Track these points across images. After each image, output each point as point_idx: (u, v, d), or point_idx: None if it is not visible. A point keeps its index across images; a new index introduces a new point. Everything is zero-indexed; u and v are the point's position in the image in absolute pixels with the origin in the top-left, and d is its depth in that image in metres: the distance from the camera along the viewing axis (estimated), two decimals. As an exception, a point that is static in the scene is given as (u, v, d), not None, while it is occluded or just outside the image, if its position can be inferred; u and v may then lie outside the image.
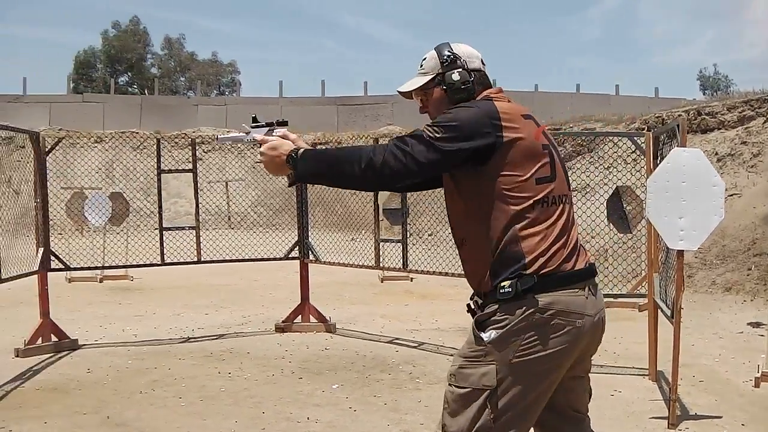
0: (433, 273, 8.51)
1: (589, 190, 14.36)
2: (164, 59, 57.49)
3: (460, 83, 3.03)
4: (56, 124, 28.36)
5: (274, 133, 3.22)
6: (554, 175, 2.91)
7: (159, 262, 9.02)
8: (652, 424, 5.74)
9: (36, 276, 8.19)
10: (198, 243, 9.07)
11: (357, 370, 7.30)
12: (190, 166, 9.32)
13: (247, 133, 3.33)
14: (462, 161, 2.84)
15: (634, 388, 6.68)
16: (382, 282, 13.86)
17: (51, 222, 9.12)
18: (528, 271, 2.80)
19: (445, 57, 3.07)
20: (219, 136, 3.62)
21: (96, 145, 26.88)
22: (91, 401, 6.34)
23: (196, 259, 9.06)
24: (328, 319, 9.23)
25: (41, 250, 8.19)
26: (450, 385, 2.90)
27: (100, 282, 14.12)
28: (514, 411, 2.80)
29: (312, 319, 9.28)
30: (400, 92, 3.21)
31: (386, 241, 8.81)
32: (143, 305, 11.64)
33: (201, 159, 27.17)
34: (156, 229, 9.07)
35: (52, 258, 8.37)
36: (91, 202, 14.05)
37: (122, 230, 14.62)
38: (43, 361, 7.83)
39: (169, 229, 9.22)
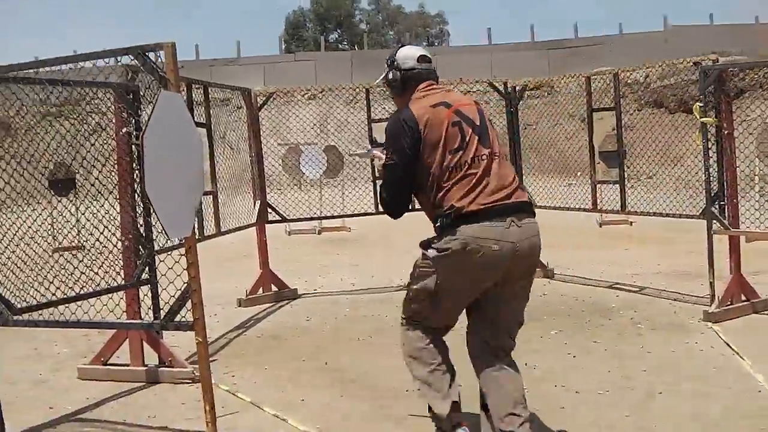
0: (652, 214, 8.10)
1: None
2: (372, 14, 58.22)
3: (392, 81, 4.14)
4: (270, 83, 29.23)
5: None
6: (464, 143, 3.84)
7: (373, 212, 9.06)
8: None
9: (255, 229, 8.42)
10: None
11: (576, 316, 7.08)
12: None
13: (368, 150, 4.61)
14: (408, 159, 3.86)
15: None
16: (600, 227, 13.43)
17: (268, 177, 9.35)
18: (451, 212, 3.79)
19: (388, 60, 4.18)
20: (350, 153, 5.05)
21: (310, 102, 27.64)
22: (309, 348, 6.46)
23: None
24: (546, 264, 8.99)
25: (258, 203, 8.39)
26: (409, 284, 4.09)
27: (319, 234, 14.47)
28: (437, 303, 3.95)
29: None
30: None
31: (603, 182, 8.44)
32: (361, 255, 11.81)
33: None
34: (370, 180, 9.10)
35: (270, 210, 8.56)
36: (306, 156, 14.38)
37: (338, 182, 14.87)
38: (263, 310, 8.07)
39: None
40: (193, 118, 6.95)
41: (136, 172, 5.76)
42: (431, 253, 3.84)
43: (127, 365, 5.89)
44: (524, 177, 9.30)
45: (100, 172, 5.59)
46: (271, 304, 8.36)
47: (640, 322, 6.77)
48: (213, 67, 31.18)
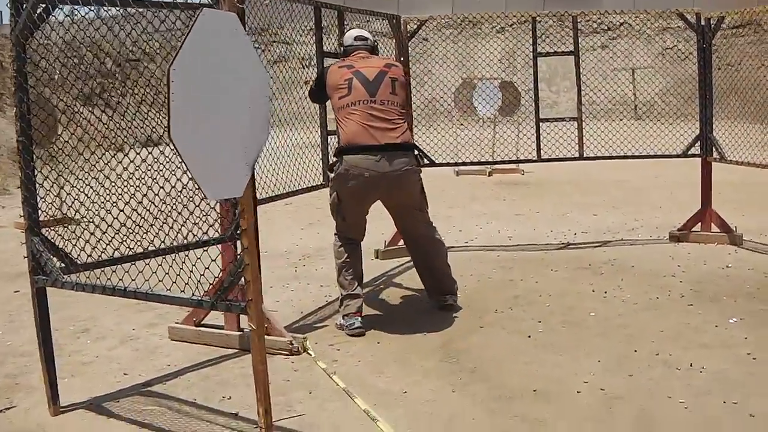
0: None
1: None
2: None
3: (341, 53, 5.78)
4: (459, 10, 28.10)
5: None
6: (349, 92, 5.32)
7: (534, 158, 8.02)
8: None
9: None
10: (580, 137, 7.88)
11: (763, 299, 5.81)
12: (594, 54, 8.06)
13: None
14: (314, 86, 5.74)
15: None
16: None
17: (437, 112, 8.43)
18: (342, 144, 5.33)
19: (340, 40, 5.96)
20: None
21: (498, 35, 26.40)
22: (436, 319, 5.56)
23: (577, 155, 7.90)
24: (734, 228, 7.68)
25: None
26: (330, 204, 5.62)
27: (489, 176, 13.47)
28: (340, 213, 5.51)
29: (714, 228, 7.79)
30: None
31: None
32: (527, 203, 10.77)
33: (606, 46, 25.72)
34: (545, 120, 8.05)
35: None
36: (480, 91, 13.38)
37: (514, 121, 13.80)
38: (401, 264, 7.25)
39: (546, 120, 8.13)
40: (322, 48, 6.22)
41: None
42: (334, 170, 5.38)
43: (222, 328, 5.21)
44: (718, 122, 7.97)
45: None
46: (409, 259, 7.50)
47: None
48: (401, 1, 30.39)
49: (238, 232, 3.36)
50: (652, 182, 11.95)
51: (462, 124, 14.26)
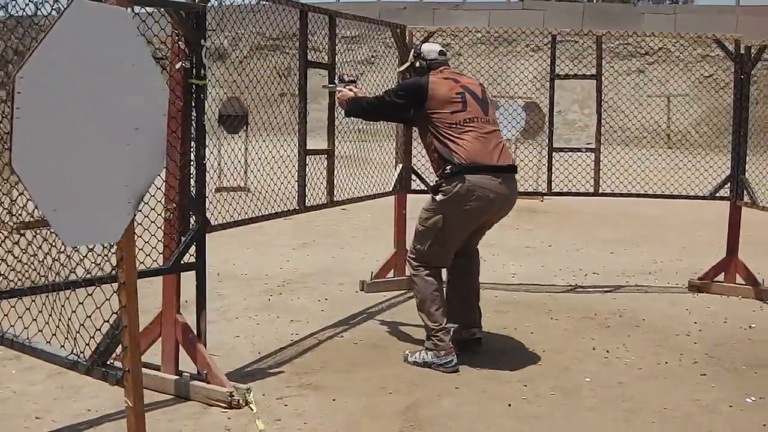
0: None
1: None
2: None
3: (419, 68, 5.28)
4: (495, 26, 27.43)
5: (347, 87, 5.42)
6: (465, 107, 4.95)
7: (545, 191, 7.31)
8: None
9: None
10: (597, 170, 7.15)
11: (791, 372, 5.06)
12: (630, 78, 7.35)
13: (335, 85, 5.54)
14: (397, 107, 5.19)
15: None
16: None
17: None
18: (461, 163, 4.84)
19: (414, 53, 5.35)
20: (323, 85, 5.69)
21: (533, 53, 25.68)
22: (408, 374, 4.85)
23: (592, 190, 7.17)
24: (761, 281, 6.91)
25: (400, 167, 6.82)
26: (419, 224, 5.09)
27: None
28: (441, 238, 4.99)
29: (739, 279, 7.02)
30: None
31: None
32: (541, 233, 10.05)
33: (643, 71, 24.91)
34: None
35: (414, 177, 6.96)
36: (503, 111, 12.66)
37: (537, 144, 13.06)
38: (386, 300, 6.57)
39: (560, 150, 7.42)
40: (306, 56, 5.55)
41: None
42: (447, 189, 4.86)
43: (159, 369, 4.54)
44: (755, 158, 7.23)
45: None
46: (402, 292, 6.80)
47: None
48: (436, 10, 29.86)
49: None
50: (679, 218, 11.15)
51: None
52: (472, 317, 5.29)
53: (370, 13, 21.27)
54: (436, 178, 5.00)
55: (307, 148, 5.54)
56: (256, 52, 25.84)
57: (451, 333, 4.97)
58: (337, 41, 5.93)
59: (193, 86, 4.33)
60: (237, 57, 25.70)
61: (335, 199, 5.99)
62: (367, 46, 26.35)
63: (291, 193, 5.54)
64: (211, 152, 4.75)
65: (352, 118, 5.51)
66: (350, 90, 5.40)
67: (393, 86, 5.31)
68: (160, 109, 2.49)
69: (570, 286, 7.27)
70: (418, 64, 5.26)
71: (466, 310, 5.27)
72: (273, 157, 5.83)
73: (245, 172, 12.23)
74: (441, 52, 5.26)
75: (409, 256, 5.22)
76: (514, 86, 12.86)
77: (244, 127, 12.83)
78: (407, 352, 5.10)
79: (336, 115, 5.86)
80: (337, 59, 5.94)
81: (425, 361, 4.94)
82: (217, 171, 12.01)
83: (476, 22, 28.95)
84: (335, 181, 5.94)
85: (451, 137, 4.88)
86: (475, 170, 4.81)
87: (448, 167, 4.85)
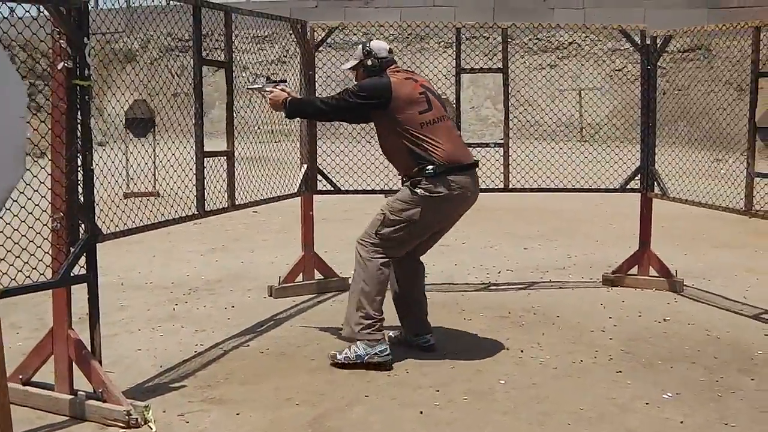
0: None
1: None
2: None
3: (371, 66, 5.13)
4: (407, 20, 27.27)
5: (278, 87, 5.25)
6: (430, 106, 4.97)
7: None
8: None
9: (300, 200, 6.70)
10: (506, 165, 7.02)
11: (705, 366, 4.99)
12: (542, 73, 7.26)
13: (263, 86, 5.29)
14: (359, 108, 5.03)
15: None
16: (750, 218, 10.86)
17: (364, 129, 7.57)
18: (440, 162, 4.86)
19: (365, 50, 5.17)
20: (247, 86, 5.52)
21: (445, 50, 25.65)
22: (316, 383, 4.66)
23: (502, 186, 7.04)
24: (674, 273, 6.89)
25: (305, 167, 6.62)
26: (383, 212, 4.97)
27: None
28: (411, 231, 4.97)
29: (652, 270, 6.99)
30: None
31: (762, 176, 6.13)
32: (455, 230, 9.84)
33: (555, 66, 25.09)
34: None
35: (321, 177, 6.77)
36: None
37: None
38: (295, 305, 6.36)
39: (469, 145, 7.24)
40: (201, 54, 5.30)
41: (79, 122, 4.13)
42: (427, 187, 4.83)
43: (53, 388, 4.27)
44: (665, 149, 7.21)
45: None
46: (311, 296, 6.60)
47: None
48: (347, 8, 29.64)
49: None
50: (592, 210, 11.14)
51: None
52: (424, 323, 5.34)
53: (282, 11, 20.87)
54: (411, 178, 4.95)
55: (206, 150, 5.29)
56: (165, 53, 25.30)
57: (382, 323, 4.96)
58: (248, 41, 5.72)
59: (78, 87, 4.06)
60: (147, 59, 25.15)
61: (237, 203, 5.74)
62: (279, 45, 26.14)
63: (215, 194, 5.40)
64: (117, 156, 4.53)
65: (294, 119, 5.55)
66: (282, 90, 5.24)
67: (351, 86, 5.11)
68: (16, 109, 2.24)
69: (484, 284, 7.16)
70: (369, 63, 5.13)
71: (418, 316, 5.34)
72: (177, 160, 5.59)
73: (154, 177, 11.87)
74: (390, 50, 5.23)
75: (362, 240, 5.02)
76: (432, 83, 12.73)
77: (152, 130, 12.47)
78: (333, 353, 4.96)
79: (234, 115, 5.62)
80: (248, 59, 5.72)
81: (357, 355, 4.84)
82: (125, 176, 11.66)
83: (387, 19, 28.74)
84: (236, 184, 5.70)
85: (424, 137, 4.86)
86: (455, 170, 4.89)
87: (429, 167, 4.83)
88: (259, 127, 6.55)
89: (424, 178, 4.84)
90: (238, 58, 5.69)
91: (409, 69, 5.38)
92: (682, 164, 7.62)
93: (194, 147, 5.25)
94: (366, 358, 4.82)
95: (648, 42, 6.95)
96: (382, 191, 7.13)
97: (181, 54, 25.00)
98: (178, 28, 5.12)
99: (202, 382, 4.68)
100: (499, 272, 7.61)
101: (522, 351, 5.23)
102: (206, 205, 5.31)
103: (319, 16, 26.76)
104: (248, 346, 5.37)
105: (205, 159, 5.26)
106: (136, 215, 4.77)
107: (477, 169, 5.15)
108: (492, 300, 6.56)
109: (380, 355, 4.82)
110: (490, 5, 32.31)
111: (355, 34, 24.22)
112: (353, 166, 7.15)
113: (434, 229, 5.14)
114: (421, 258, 5.40)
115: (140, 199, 6.25)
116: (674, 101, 9.27)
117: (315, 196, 6.79)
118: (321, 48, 6.73)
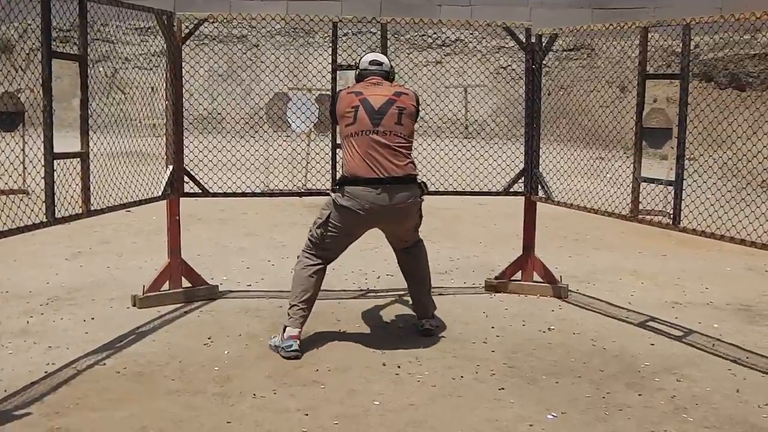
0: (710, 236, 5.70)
1: None
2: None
3: (357, 76, 5.56)
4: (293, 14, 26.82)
5: None
6: (354, 121, 5.19)
7: (319, 189, 6.76)
8: None
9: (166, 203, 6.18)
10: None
11: (591, 380, 4.71)
12: (427, 69, 6.93)
13: None
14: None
15: None
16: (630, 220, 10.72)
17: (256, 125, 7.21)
18: (344, 174, 5.23)
19: (356, 62, 5.73)
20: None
21: (331, 45, 25.23)
22: (174, 408, 4.17)
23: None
24: (559, 278, 6.64)
25: (170, 168, 6.10)
26: (318, 217, 5.35)
27: (301, 197, 12.11)
28: (327, 230, 5.29)
29: (536, 276, 6.72)
30: None
31: (648, 180, 5.87)
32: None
33: (440, 62, 24.97)
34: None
35: (187, 179, 6.26)
36: (294, 104, 12.07)
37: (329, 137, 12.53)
38: (160, 316, 5.84)
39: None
40: (50, 44, 4.73)
41: None
42: (333, 196, 5.25)
43: None
44: (547, 146, 6.94)
45: None
46: (178, 306, 6.08)
47: (686, 405, 4.38)
48: (233, 1, 29.00)
49: None
50: (474, 210, 10.86)
51: (276, 140, 12.89)
52: (424, 304, 5.69)
53: (166, 3, 20.11)
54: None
55: (56, 152, 4.73)
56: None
57: (303, 321, 5.24)
58: (131, 33, 5.21)
59: None
60: (23, 49, 23.97)
61: (93, 209, 5.19)
62: (162, 37, 25.35)
63: (73, 197, 4.97)
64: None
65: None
66: None
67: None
68: None
69: (362, 290, 6.77)
70: (355, 74, 5.59)
71: (416, 298, 5.76)
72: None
73: (23, 174, 11.07)
74: (373, 62, 5.52)
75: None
76: (312, 78, 12.32)
77: (21, 125, 11.63)
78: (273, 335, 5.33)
79: (90, 113, 5.08)
80: (130, 51, 5.19)
81: (276, 345, 5.15)
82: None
83: (274, 12, 28.17)
84: (92, 188, 5.16)
85: (345, 149, 5.26)
86: (352, 182, 5.15)
87: (339, 177, 5.39)
88: (140, 122, 6.05)
89: (337, 186, 5.29)
90: (119, 50, 5.15)
91: (397, 82, 5.69)
92: (564, 163, 7.37)
93: (42, 148, 4.68)
94: (278, 350, 5.11)
95: (533, 41, 6.67)
96: (254, 194, 6.70)
97: (61, 45, 23.96)
98: (58, 18, 4.79)
99: (49, 409, 4.15)
100: (378, 277, 7.22)
101: (399, 366, 4.86)
102: (56, 211, 4.75)
103: (204, 7, 26.00)
104: (104, 364, 4.83)
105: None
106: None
107: (398, 183, 5.20)
108: (369, 307, 6.20)
109: (286, 351, 5.06)
110: (378, 1, 32.06)
111: (235, 27, 23.67)
112: (236, 163, 6.74)
113: (347, 232, 5.35)
114: (414, 238, 5.84)
115: (8, 197, 5.61)
116: (557, 99, 9.08)
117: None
118: (188, 41, 6.21)
